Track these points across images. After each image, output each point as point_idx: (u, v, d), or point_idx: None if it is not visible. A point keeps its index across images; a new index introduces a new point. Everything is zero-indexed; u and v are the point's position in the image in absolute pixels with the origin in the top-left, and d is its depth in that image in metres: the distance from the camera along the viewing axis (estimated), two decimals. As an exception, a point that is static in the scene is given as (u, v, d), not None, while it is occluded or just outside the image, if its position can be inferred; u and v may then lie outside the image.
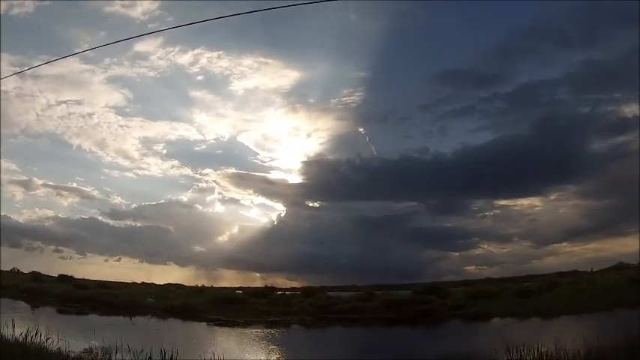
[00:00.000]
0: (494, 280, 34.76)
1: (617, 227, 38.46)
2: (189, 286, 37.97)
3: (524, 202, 41.66)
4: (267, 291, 33.28)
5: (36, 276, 38.23)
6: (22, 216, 46.78)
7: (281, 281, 40.09)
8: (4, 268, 41.35)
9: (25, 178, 46.80)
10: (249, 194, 45.09)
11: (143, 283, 40.73)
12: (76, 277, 37.57)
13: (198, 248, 44.57)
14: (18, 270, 42.00)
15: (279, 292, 33.26)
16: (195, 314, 27.23)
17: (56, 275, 39.17)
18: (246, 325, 24.53)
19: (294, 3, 9.81)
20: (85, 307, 29.57)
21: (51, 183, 46.40)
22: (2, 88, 42.78)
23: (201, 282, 38.59)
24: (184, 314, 27.41)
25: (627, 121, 38.02)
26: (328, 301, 28.92)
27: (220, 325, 24.39)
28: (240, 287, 38.73)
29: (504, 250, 40.63)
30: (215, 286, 37.77)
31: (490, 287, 29.64)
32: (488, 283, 33.34)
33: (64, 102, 45.77)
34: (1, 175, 44.65)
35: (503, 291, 28.60)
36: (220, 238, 45.54)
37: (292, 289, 35.61)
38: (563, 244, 39.78)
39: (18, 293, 33.95)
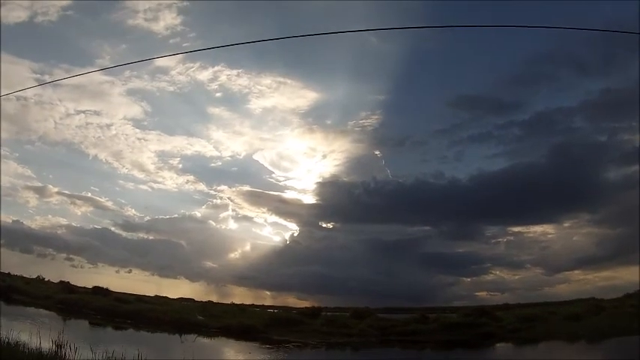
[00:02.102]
0: (510, 305, 34.64)
1: (630, 256, 36.73)
2: (222, 304, 37.59)
3: (538, 229, 41.95)
4: (314, 311, 33.09)
5: (68, 287, 37.08)
6: (34, 222, 46.03)
7: (291, 300, 40.64)
8: (23, 274, 40.82)
9: (39, 184, 46.46)
10: (263, 212, 44.86)
11: (156, 296, 40.28)
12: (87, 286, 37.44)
13: (209, 264, 44.39)
14: (44, 278, 41.01)
15: (326, 313, 33.05)
16: (255, 335, 26.97)
17: (84, 286, 38.20)
18: (318, 347, 24.54)
19: (313, 33, 10.24)
20: (134, 323, 28.96)
21: (66, 191, 46.10)
22: (22, 94, 42.83)
23: (212, 297, 38.80)
24: (242, 334, 27.17)
25: None
26: (386, 323, 29.12)
27: (297, 346, 24.27)
28: (273, 305, 38.96)
29: (516, 277, 40.50)
30: (225, 302, 37.80)
31: (536, 311, 30.26)
32: (504, 309, 33.34)
33: (83, 112, 45.92)
34: (17, 181, 44.54)
35: (550, 315, 29.33)
36: (232, 255, 45.38)
37: (337, 309, 35.61)
38: (576, 271, 39.49)
39: (53, 305, 33.00)
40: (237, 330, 27.59)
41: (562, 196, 39.53)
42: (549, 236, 41.83)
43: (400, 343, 26.81)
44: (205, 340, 26.19)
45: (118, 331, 27.07)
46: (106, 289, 36.51)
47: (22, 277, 39.71)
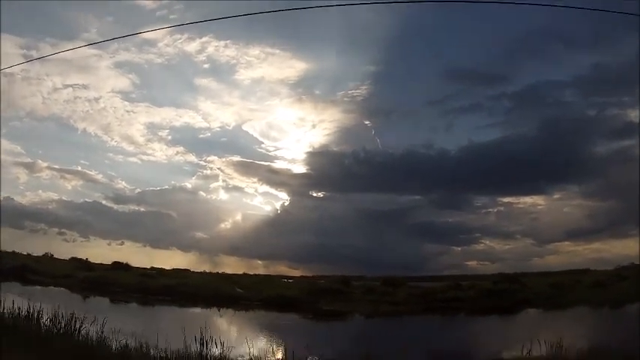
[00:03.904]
0: (504, 275, 34.19)
1: (619, 229, 39.08)
2: (237, 274, 37.65)
3: (528, 199, 42.56)
4: (344, 280, 33.33)
5: (86, 264, 35.38)
6: (25, 198, 45.52)
7: (282, 269, 41.34)
8: (26, 252, 39.02)
9: (29, 160, 45.60)
10: (254, 182, 45.01)
11: (152, 267, 39.49)
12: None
13: (200, 234, 44.64)
14: (52, 255, 39.19)
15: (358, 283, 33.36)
16: (301, 306, 26.89)
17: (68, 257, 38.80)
18: (372, 316, 24.78)
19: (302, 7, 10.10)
20: (171, 299, 28.12)
21: (55, 166, 45.32)
22: (8, 70, 40.43)
23: (205, 267, 38.91)
24: (287, 306, 26.99)
25: (633, 125, 38.54)
26: (422, 291, 29.81)
27: (353, 316, 24.40)
28: (285, 275, 39.05)
29: (506, 247, 41.38)
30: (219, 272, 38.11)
31: (563, 279, 31.72)
32: (498, 279, 32.97)
33: (71, 86, 44.65)
34: (6, 158, 42.85)
35: (576, 282, 30.86)
36: (223, 225, 45.54)
37: (359, 277, 35.98)
38: (565, 243, 40.55)
39: (76, 284, 31.45)
40: (281, 302, 27.36)
41: (552, 168, 40.37)
42: (539, 207, 42.55)
43: (441, 310, 27.50)
44: (251, 314, 25.92)
45: (162, 307, 26.18)
46: (127, 264, 35.36)
47: (29, 256, 37.80)
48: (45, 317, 12.34)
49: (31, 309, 12.69)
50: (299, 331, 20.03)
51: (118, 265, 35.00)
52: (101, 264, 36.21)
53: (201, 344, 8.99)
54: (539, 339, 11.85)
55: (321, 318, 25.04)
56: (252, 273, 38.93)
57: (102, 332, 10.40)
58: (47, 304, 13.11)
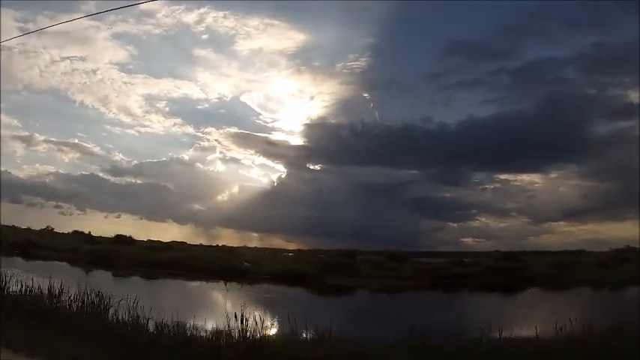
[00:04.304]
0: (506, 253, 34.13)
1: (615, 211, 39.56)
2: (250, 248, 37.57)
3: (525, 177, 42.90)
4: (349, 254, 33.49)
5: (89, 237, 35.04)
6: (22, 172, 46.49)
7: (278, 242, 41.77)
8: (26, 226, 38.59)
9: (26, 133, 46.15)
10: (251, 154, 45.93)
11: (150, 240, 39.93)
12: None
13: (197, 207, 45.11)
14: (52, 229, 38.74)
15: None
16: (310, 280, 27.04)
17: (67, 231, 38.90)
18: (380, 291, 25.05)
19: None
20: (180, 273, 28.03)
21: (52, 139, 45.90)
22: (6, 44, 39.61)
23: (201, 240, 39.24)
24: (296, 281, 27.12)
25: (633, 106, 38.11)
26: (427, 267, 30.16)
27: (363, 291, 24.61)
28: (282, 249, 39.14)
29: (502, 225, 41.63)
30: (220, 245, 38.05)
31: (561, 258, 32.09)
32: (487, 256, 33.08)
33: (68, 58, 44.80)
34: (4, 132, 42.97)
35: (577, 263, 31.23)
36: (220, 198, 46.21)
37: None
38: (561, 222, 41.14)
39: (81, 257, 31.13)
40: (290, 276, 27.46)
41: (550, 146, 39.79)
42: (536, 185, 42.49)
43: (447, 286, 27.88)
44: (263, 287, 25.99)
45: (173, 280, 26.12)
46: (130, 237, 35.12)
47: (30, 230, 37.34)
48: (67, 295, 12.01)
49: (52, 287, 12.35)
50: (322, 306, 20.07)
51: (121, 239, 34.77)
52: (103, 237, 35.99)
53: (242, 322, 8.75)
54: (567, 316, 11.86)
55: (331, 292, 25.22)
56: (250, 246, 39.12)
57: (135, 312, 10.14)
58: (61, 280, 12.76)
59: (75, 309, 10.82)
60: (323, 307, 19.93)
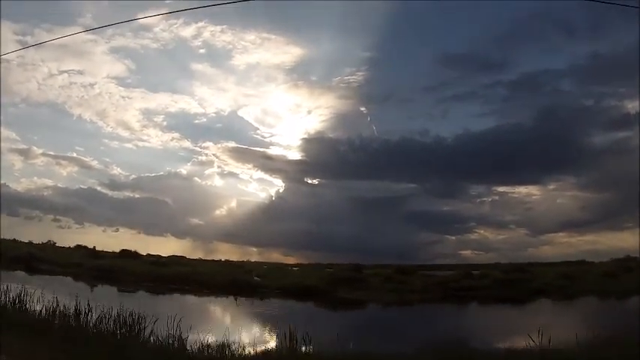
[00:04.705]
0: (500, 265, 34.81)
1: (614, 221, 39.59)
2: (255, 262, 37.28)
3: (523, 190, 42.55)
4: (356, 267, 33.47)
5: (93, 252, 34.53)
6: (20, 185, 46.27)
7: (276, 256, 41.71)
8: (27, 239, 38.05)
9: (24, 146, 46.43)
10: (249, 169, 46.38)
11: (148, 254, 39.53)
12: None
13: (195, 221, 45.41)
14: (54, 243, 38.18)
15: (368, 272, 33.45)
16: (320, 295, 26.84)
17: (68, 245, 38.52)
18: (392, 304, 24.96)
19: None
20: (187, 287, 27.67)
21: (50, 152, 45.93)
22: (4, 57, 39.57)
23: (199, 254, 39.22)
24: (306, 295, 26.89)
25: (629, 117, 38.78)
26: (436, 280, 30.18)
27: (376, 304, 24.51)
28: (264, 262, 38.83)
29: (500, 237, 41.84)
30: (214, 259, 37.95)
31: (573, 269, 32.28)
32: (493, 269, 33.54)
33: (66, 71, 45.19)
34: (1, 144, 42.69)
35: (586, 273, 31.41)
36: (218, 212, 46.37)
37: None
38: (560, 234, 41.15)
39: (86, 272, 30.59)
40: (299, 290, 27.23)
41: (547, 158, 40.38)
42: (534, 197, 42.68)
43: (457, 298, 27.87)
44: (276, 302, 25.76)
45: (185, 296, 25.76)
46: (135, 252, 34.70)
47: (31, 244, 36.83)
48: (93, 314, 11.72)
49: (78, 305, 12.04)
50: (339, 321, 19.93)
51: (126, 253, 34.31)
52: (107, 251, 35.49)
53: (292, 341, 8.67)
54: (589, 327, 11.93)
55: (344, 307, 25.03)
56: (250, 260, 38.92)
57: (174, 331, 9.94)
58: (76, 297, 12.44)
59: (110, 330, 10.56)
60: (344, 321, 19.72)
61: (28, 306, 12.63)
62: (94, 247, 36.05)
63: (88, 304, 11.79)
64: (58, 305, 12.15)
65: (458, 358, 9.05)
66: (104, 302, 12.14)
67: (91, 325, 11.06)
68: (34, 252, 33.09)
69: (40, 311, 12.13)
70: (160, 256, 36.00)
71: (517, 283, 29.40)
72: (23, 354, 7.41)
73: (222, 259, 38.09)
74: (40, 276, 28.16)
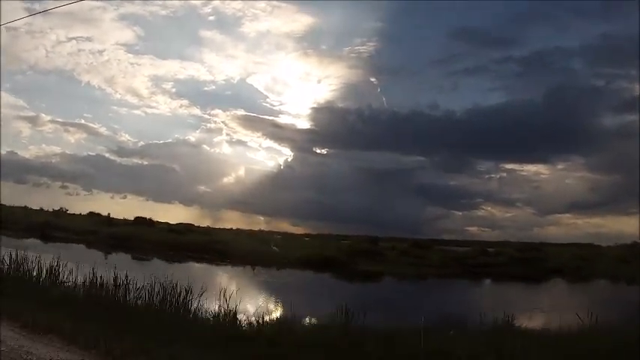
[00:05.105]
0: (509, 243, 34.64)
1: (620, 205, 39.87)
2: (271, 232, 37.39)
3: (531, 168, 42.68)
4: (371, 239, 33.48)
5: (108, 219, 34.41)
6: (28, 152, 47.41)
7: (284, 226, 41.79)
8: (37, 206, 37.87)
9: (32, 114, 46.61)
10: (257, 137, 46.81)
11: (157, 221, 39.48)
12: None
13: (203, 188, 45.71)
14: (66, 210, 38.09)
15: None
16: (340, 266, 26.90)
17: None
18: (410, 277, 25.10)
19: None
20: (208, 256, 27.69)
21: (59, 119, 46.18)
22: (11, 25, 37.98)
23: (207, 222, 39.08)
24: (325, 266, 26.96)
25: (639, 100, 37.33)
26: (453, 255, 30.30)
27: (395, 277, 24.62)
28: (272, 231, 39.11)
29: (507, 215, 41.97)
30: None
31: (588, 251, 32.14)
32: (503, 246, 33.35)
33: (74, 38, 46.03)
34: (10, 112, 43.19)
35: (600, 256, 31.35)
36: (226, 180, 46.54)
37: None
38: (566, 215, 41.53)
39: (102, 240, 30.51)
40: (319, 262, 27.27)
41: (557, 137, 39.61)
42: (542, 176, 42.40)
43: (474, 274, 27.98)
44: (294, 272, 25.81)
45: (209, 265, 25.80)
46: (150, 220, 34.58)
47: (43, 211, 36.67)
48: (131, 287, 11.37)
49: (118, 277, 11.60)
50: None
51: (140, 221, 34.19)
52: (118, 219, 35.33)
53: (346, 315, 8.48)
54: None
55: (365, 278, 25.20)
56: (260, 229, 39.60)
57: (224, 304, 9.64)
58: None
59: (156, 305, 10.23)
60: (375, 294, 19.76)
61: (63, 277, 12.28)
62: (109, 214, 35.94)
63: (126, 276, 11.46)
64: (95, 277, 11.77)
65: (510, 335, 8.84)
66: (137, 272, 11.86)
67: (135, 300, 10.73)
68: (49, 219, 32.92)
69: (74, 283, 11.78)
70: (168, 224, 35.98)
71: (532, 262, 29.51)
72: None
73: (234, 228, 38.45)
74: (55, 243, 28.19)
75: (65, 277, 12.12)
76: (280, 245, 30.61)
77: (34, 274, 11.95)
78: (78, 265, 12.30)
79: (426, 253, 30.39)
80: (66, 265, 12.35)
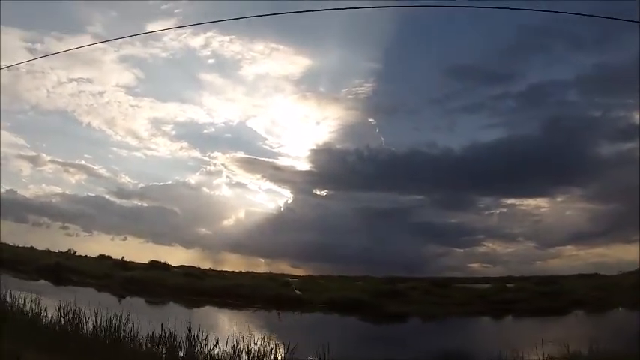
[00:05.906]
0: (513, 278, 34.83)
1: (621, 234, 38.70)
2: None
3: (531, 202, 42.35)
4: (390, 280, 33.35)
5: (122, 262, 33.61)
6: (29, 191, 44.97)
7: (284, 268, 41.40)
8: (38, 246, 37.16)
9: (33, 154, 45.13)
10: (257, 179, 45.52)
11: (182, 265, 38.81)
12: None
13: (203, 230, 44.77)
14: (74, 252, 37.13)
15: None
16: (367, 309, 26.65)
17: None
18: (439, 317, 24.99)
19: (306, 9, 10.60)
20: (233, 302, 27.19)
21: (59, 160, 45.01)
22: (14, 64, 39.40)
23: (207, 264, 38.49)
24: (352, 309, 26.68)
25: (637, 128, 38.03)
26: (474, 292, 30.37)
27: (426, 319, 24.51)
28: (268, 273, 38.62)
29: (509, 250, 41.21)
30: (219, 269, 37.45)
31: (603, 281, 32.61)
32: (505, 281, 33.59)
33: (76, 80, 44.82)
34: (10, 151, 42.34)
35: (614, 285, 31.90)
36: (226, 222, 45.77)
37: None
38: (568, 246, 40.43)
39: (118, 284, 29.73)
40: (345, 304, 27.00)
41: (555, 170, 40.24)
42: (542, 210, 42.54)
43: (499, 310, 28.00)
44: (319, 316, 25.47)
45: (216, 308, 25.28)
46: (164, 263, 33.84)
47: (51, 252, 35.68)
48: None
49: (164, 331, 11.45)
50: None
51: (155, 264, 33.47)
52: (135, 262, 34.54)
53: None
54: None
55: (393, 320, 24.97)
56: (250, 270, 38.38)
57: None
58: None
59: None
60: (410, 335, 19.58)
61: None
62: (123, 257, 35.11)
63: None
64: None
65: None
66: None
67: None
68: (60, 261, 31.98)
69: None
70: (183, 266, 35.27)
71: (552, 295, 29.79)
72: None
73: (236, 270, 37.63)
74: (71, 287, 27.45)
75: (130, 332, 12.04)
76: (302, 288, 30.22)
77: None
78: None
79: (448, 291, 30.38)
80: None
